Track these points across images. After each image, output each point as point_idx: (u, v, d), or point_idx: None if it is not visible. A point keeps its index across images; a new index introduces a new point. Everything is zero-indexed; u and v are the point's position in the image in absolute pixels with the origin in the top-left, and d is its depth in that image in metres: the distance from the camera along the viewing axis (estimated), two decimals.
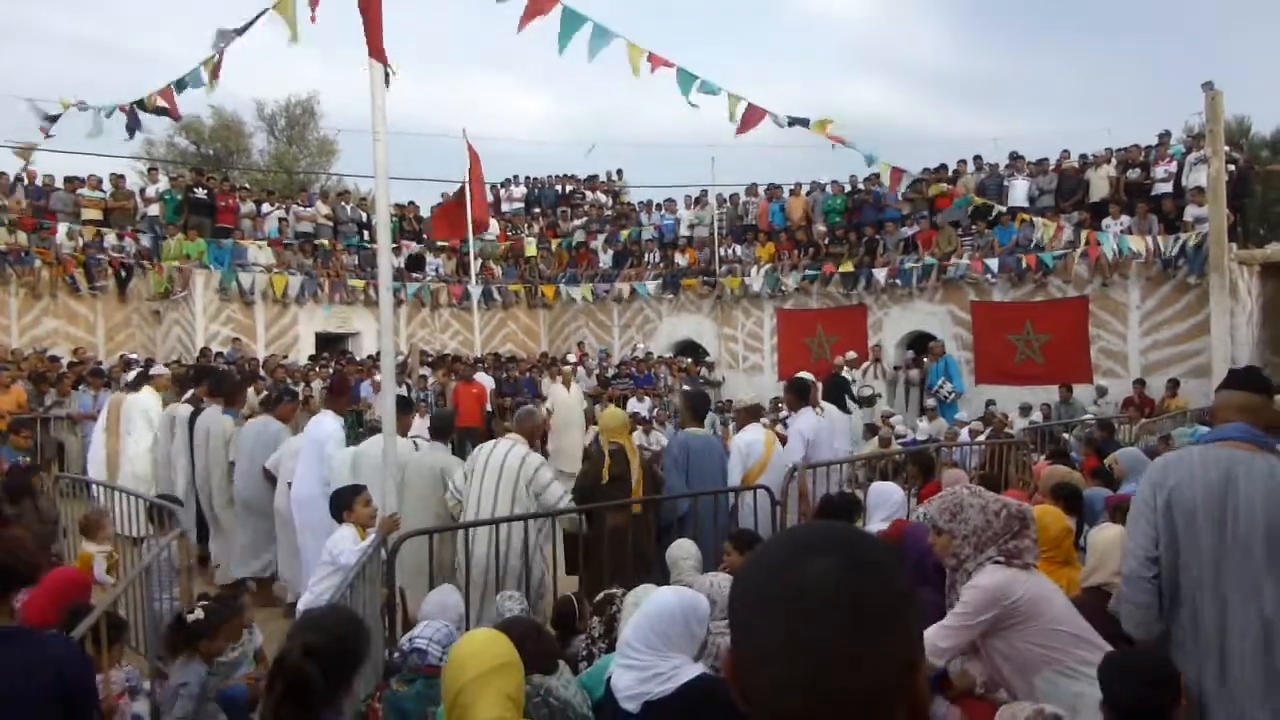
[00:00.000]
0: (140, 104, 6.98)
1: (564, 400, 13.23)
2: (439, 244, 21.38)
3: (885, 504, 5.11)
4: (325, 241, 20.06)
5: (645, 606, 3.09)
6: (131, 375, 10.62)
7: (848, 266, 18.51)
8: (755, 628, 0.96)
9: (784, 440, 7.42)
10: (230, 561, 7.89)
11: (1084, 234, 14.55)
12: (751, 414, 7.22)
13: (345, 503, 5.21)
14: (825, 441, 7.07)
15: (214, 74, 6.08)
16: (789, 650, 0.93)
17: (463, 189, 13.81)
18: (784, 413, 10.91)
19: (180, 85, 6.48)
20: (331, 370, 15.23)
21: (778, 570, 0.97)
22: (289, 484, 6.96)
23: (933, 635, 3.02)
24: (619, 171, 26.75)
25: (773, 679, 0.94)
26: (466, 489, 5.86)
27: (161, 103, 6.69)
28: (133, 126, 7.10)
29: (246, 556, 7.67)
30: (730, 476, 6.58)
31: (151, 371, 10.22)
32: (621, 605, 3.94)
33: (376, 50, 4.72)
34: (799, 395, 7.45)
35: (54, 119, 7.59)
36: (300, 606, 4.82)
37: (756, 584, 0.99)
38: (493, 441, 6.12)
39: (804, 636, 0.92)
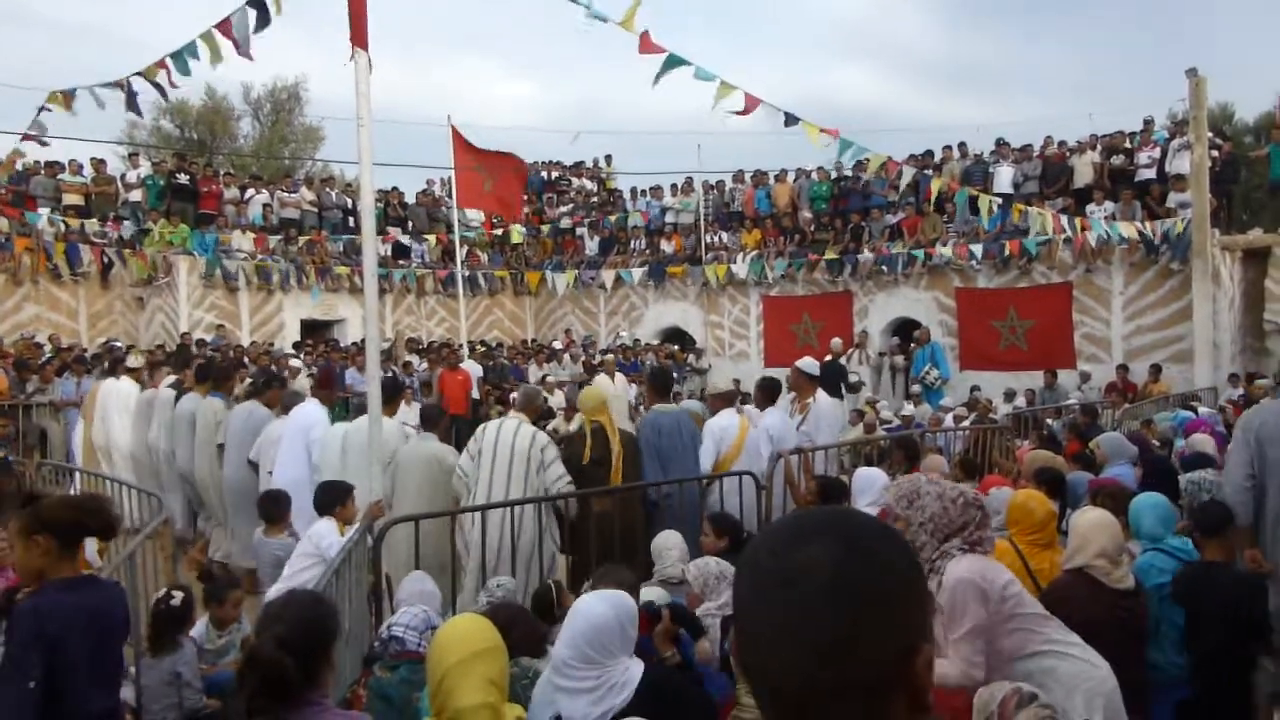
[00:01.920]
0: (140, 75, 6.88)
1: (611, 392, 13.08)
2: (423, 234, 21.32)
3: (870, 489, 5.14)
4: (307, 237, 19.85)
5: (575, 623, 2.87)
6: (106, 363, 10.56)
7: (833, 253, 18.55)
8: (754, 615, 0.97)
9: None
10: (225, 546, 7.84)
11: (1078, 221, 14.61)
12: (726, 400, 7.22)
13: (339, 499, 5.20)
14: (790, 441, 6.97)
15: (215, 53, 6.03)
16: (783, 638, 0.93)
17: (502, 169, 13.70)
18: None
19: (178, 58, 6.39)
20: (315, 359, 15.17)
21: (775, 557, 0.97)
22: (269, 472, 6.92)
23: (949, 668, 2.92)
24: (608, 158, 26.65)
25: (771, 664, 0.94)
26: (475, 470, 5.87)
27: (159, 79, 6.60)
28: (132, 101, 7.00)
29: (242, 546, 7.60)
30: (704, 461, 6.58)
31: (128, 363, 10.14)
32: None
33: (359, 37, 4.69)
34: (767, 394, 7.41)
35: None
36: (271, 594, 4.80)
37: (755, 571, 0.99)
38: (498, 421, 6.16)
39: (798, 624, 0.92)
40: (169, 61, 6.41)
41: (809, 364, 7.67)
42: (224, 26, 5.79)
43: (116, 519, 3.12)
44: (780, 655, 0.93)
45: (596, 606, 2.89)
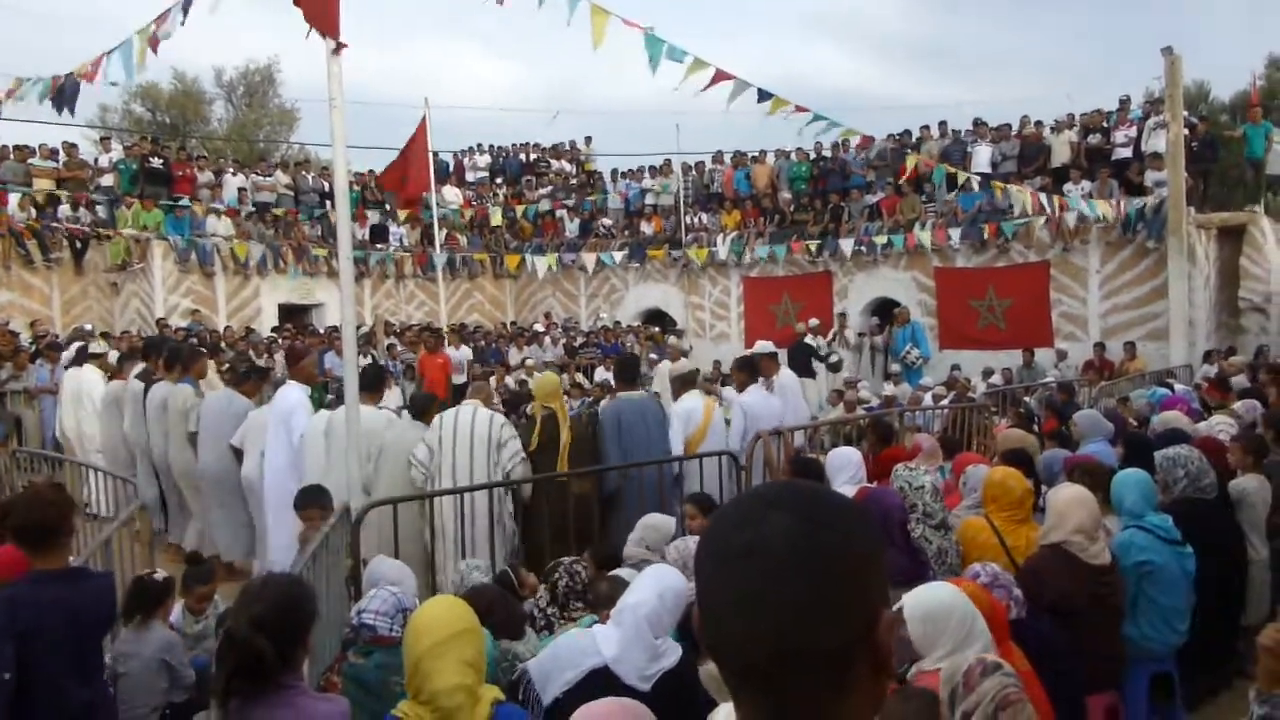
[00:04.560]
0: (71, 77, 6.83)
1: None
2: (402, 214, 21.14)
3: (847, 467, 5.15)
4: (280, 211, 19.64)
5: (664, 587, 3.05)
6: (73, 350, 10.42)
7: (813, 235, 18.56)
8: (720, 584, 0.97)
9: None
10: (195, 536, 7.78)
11: (1055, 200, 14.65)
12: (688, 382, 7.28)
13: (301, 504, 5.08)
14: (768, 416, 7.05)
15: (153, 46, 5.96)
16: (752, 606, 0.93)
17: (409, 149, 13.87)
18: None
19: (125, 58, 6.33)
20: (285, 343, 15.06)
21: (741, 528, 0.97)
22: (261, 453, 6.83)
23: None
24: (587, 139, 26.48)
25: (737, 635, 0.94)
26: (435, 461, 5.87)
27: (84, 76, 6.57)
28: (60, 102, 6.93)
29: (224, 534, 7.51)
30: (673, 443, 6.62)
31: (91, 349, 9.99)
32: (565, 574, 4.01)
33: (329, 26, 4.62)
34: (747, 372, 7.50)
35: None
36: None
37: (720, 541, 0.98)
38: (453, 410, 6.14)
39: (767, 593, 0.92)
40: (108, 59, 6.36)
41: (763, 345, 8.18)
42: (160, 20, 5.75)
43: (70, 510, 3.16)
44: (749, 626, 0.93)
45: (673, 576, 3.15)
